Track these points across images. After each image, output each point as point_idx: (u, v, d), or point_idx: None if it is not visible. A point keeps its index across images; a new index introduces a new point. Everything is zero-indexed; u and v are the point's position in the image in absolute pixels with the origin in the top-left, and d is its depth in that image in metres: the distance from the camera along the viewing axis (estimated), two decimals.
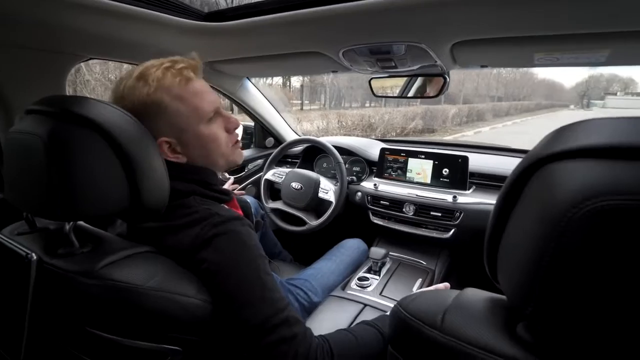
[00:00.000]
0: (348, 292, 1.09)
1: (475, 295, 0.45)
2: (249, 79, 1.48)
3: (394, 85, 1.19)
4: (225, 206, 0.67)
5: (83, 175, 0.49)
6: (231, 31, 0.86)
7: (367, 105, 20.71)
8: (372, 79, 1.19)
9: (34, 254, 0.50)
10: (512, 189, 0.35)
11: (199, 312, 0.55)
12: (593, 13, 0.57)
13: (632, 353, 0.30)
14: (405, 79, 1.14)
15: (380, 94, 1.23)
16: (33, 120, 0.50)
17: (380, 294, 1.10)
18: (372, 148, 1.61)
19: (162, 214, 0.60)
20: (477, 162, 1.35)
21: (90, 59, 0.94)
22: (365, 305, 1.00)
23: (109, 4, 0.69)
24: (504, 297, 0.42)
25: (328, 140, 1.55)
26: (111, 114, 0.52)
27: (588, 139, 0.29)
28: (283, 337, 0.55)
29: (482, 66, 0.91)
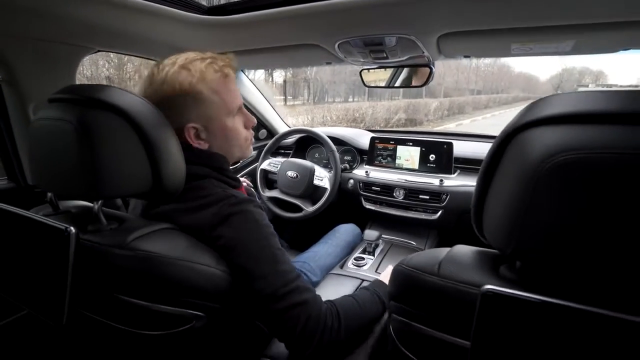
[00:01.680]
0: (346, 270, 1.16)
1: (465, 248, 0.53)
2: (243, 72, 1.52)
3: (384, 76, 1.26)
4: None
5: (112, 158, 0.53)
6: (231, 25, 0.91)
7: (350, 99, 20.82)
8: (362, 70, 1.26)
9: (72, 228, 0.54)
10: (494, 156, 0.43)
11: (219, 281, 0.60)
12: (563, 7, 0.65)
13: (590, 279, 0.39)
14: (393, 69, 1.21)
15: (370, 85, 1.30)
16: (60, 107, 0.54)
17: (376, 271, 1.18)
18: (362, 137, 1.69)
19: (178, 196, 0.65)
20: (461, 148, 1.45)
21: (98, 51, 0.96)
22: (363, 280, 1.08)
23: None
24: (487, 249, 0.51)
25: (320, 131, 1.61)
26: (134, 102, 0.56)
27: (552, 109, 0.37)
28: (295, 302, 0.61)
29: (465, 56, 0.99)
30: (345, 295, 0.72)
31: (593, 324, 0.34)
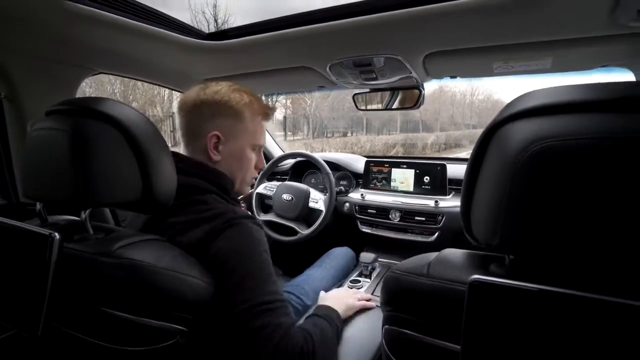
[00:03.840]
0: None
1: (454, 250, 0.52)
2: None
3: (376, 100, 1.31)
4: None
5: (103, 166, 0.54)
6: (229, 49, 0.96)
7: (349, 134, 21.31)
8: (355, 94, 1.30)
9: (56, 234, 0.53)
10: (477, 154, 0.44)
11: (203, 292, 0.59)
12: (538, 23, 0.70)
13: (578, 268, 0.38)
14: (386, 93, 1.26)
15: (363, 108, 1.34)
16: (55, 118, 0.56)
17: (372, 293, 1.14)
18: (358, 162, 1.71)
19: (178, 207, 0.65)
20: (454, 170, 1.46)
21: (100, 72, 1.01)
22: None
23: (123, 20, 0.77)
24: (477, 251, 0.50)
25: (316, 155, 1.63)
26: (129, 113, 0.57)
27: (528, 103, 0.39)
28: (268, 323, 0.58)
29: (452, 77, 1.04)
30: (311, 327, 0.67)
31: (582, 310, 0.33)
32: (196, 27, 0.96)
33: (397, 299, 0.52)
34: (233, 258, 0.61)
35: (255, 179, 1.83)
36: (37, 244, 0.55)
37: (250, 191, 1.09)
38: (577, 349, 0.33)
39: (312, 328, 0.66)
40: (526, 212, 0.36)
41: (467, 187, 0.46)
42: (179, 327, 0.57)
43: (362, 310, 0.98)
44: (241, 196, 1.10)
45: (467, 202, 0.47)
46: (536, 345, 0.35)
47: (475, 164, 0.44)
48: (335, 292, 0.97)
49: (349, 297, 0.92)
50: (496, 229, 0.39)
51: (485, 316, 0.37)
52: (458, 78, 1.05)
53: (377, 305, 0.97)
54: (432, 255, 0.53)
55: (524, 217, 0.36)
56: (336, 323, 0.76)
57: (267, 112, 0.79)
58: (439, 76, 1.04)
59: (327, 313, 0.77)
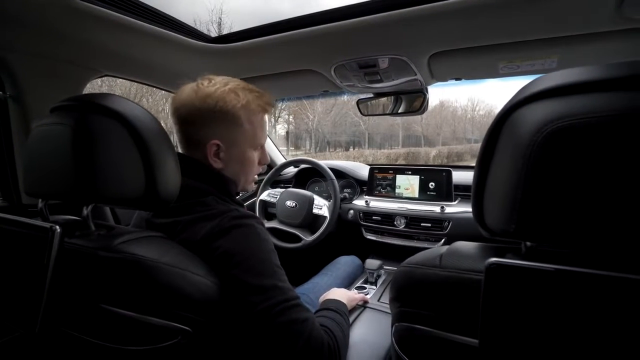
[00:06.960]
0: None
1: (467, 243, 0.51)
2: None
3: (379, 105, 1.31)
4: None
5: (106, 160, 0.53)
6: (234, 52, 0.97)
7: (351, 149, 21.43)
8: (359, 100, 1.31)
9: (57, 227, 0.52)
10: (489, 139, 0.43)
11: (209, 291, 0.57)
12: (544, 19, 0.70)
13: (598, 247, 0.36)
14: (390, 99, 1.26)
15: (367, 113, 1.34)
16: (60, 114, 0.55)
17: (379, 300, 1.11)
18: (362, 170, 1.70)
19: (178, 209, 0.65)
20: (460, 177, 1.45)
21: (105, 75, 1.01)
22: (365, 307, 1.01)
23: (129, 20, 0.78)
24: (490, 244, 0.49)
25: (320, 162, 1.63)
26: (134, 109, 0.57)
27: (540, 86, 0.38)
28: (296, 318, 0.58)
29: (456, 79, 1.04)
30: (328, 321, 0.71)
31: (609, 291, 0.32)
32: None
33: (408, 292, 0.50)
34: (241, 259, 0.60)
35: (260, 174, 1.83)
36: (37, 238, 0.53)
37: (254, 188, 1.07)
38: (602, 333, 0.31)
39: (329, 322, 0.69)
40: (545, 194, 0.34)
41: (479, 176, 0.45)
42: (181, 326, 0.55)
43: (370, 315, 0.96)
44: (247, 202, 1.09)
45: (478, 190, 0.45)
46: (558, 330, 0.33)
47: (486, 151, 0.43)
48: (334, 288, 0.97)
49: (348, 291, 1.00)
50: (512, 214, 0.37)
51: (503, 302, 0.36)
52: (463, 81, 1.05)
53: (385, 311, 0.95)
54: (443, 248, 0.51)
55: (543, 200, 0.34)
56: (347, 314, 0.80)
57: (266, 108, 0.75)
58: (444, 78, 1.04)
59: (338, 306, 0.79)
